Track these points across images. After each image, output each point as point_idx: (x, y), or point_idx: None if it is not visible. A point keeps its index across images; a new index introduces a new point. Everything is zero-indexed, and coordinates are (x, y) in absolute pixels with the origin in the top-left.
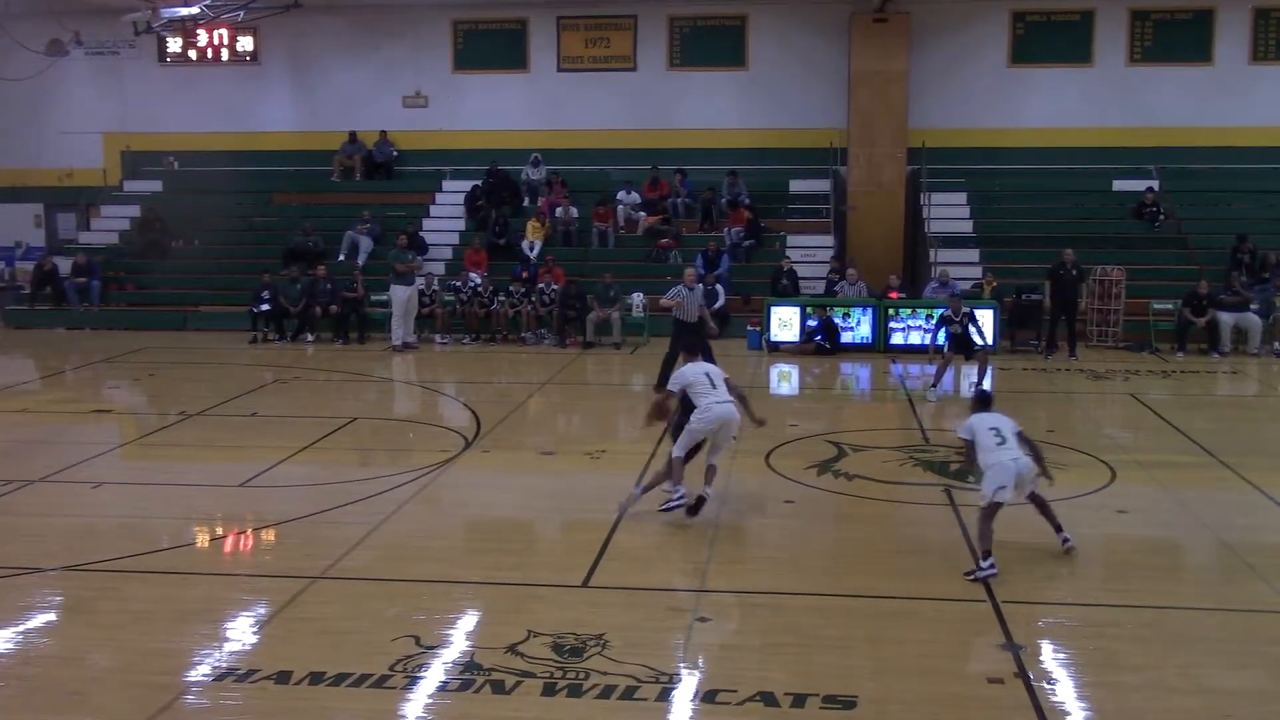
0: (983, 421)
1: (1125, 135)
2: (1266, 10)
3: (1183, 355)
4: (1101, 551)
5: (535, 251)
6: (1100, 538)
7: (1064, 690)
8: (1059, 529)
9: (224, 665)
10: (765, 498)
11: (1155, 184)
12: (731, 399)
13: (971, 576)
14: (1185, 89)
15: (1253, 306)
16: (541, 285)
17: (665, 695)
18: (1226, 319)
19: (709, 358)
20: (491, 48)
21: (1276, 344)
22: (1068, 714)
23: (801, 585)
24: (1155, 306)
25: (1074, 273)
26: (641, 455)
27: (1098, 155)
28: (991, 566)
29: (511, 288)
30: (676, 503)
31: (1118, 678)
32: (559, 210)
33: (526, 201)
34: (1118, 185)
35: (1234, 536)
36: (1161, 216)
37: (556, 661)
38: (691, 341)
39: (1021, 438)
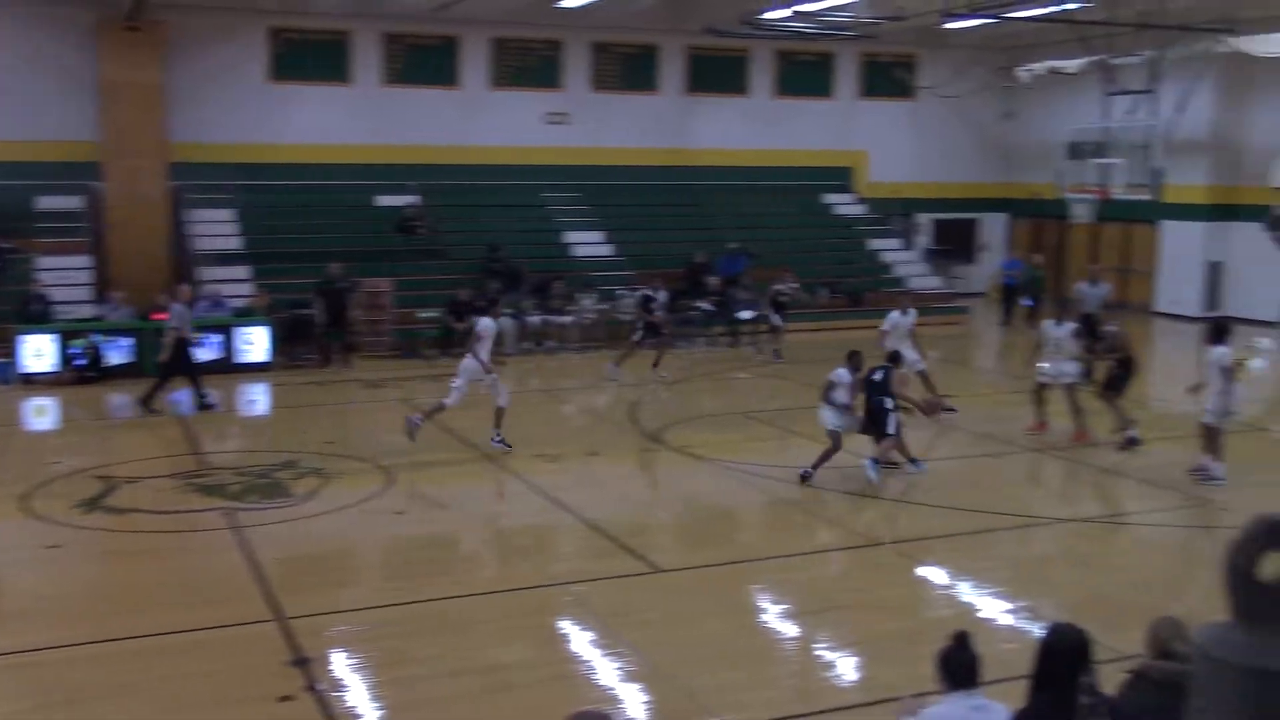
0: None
1: (385, 152)
2: (503, 39)
3: (448, 359)
4: (385, 554)
5: None
6: (382, 541)
7: (356, 694)
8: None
9: None
10: (24, 545)
11: (415, 199)
12: None
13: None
14: (435, 109)
15: (506, 311)
16: None
17: None
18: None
19: None
20: None
21: (525, 344)
22: (360, 716)
23: (69, 636)
24: (421, 315)
25: (341, 285)
26: None
27: (361, 171)
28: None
29: None
30: None
31: (406, 671)
32: None
33: None
34: (381, 200)
35: (501, 523)
36: (422, 230)
37: None
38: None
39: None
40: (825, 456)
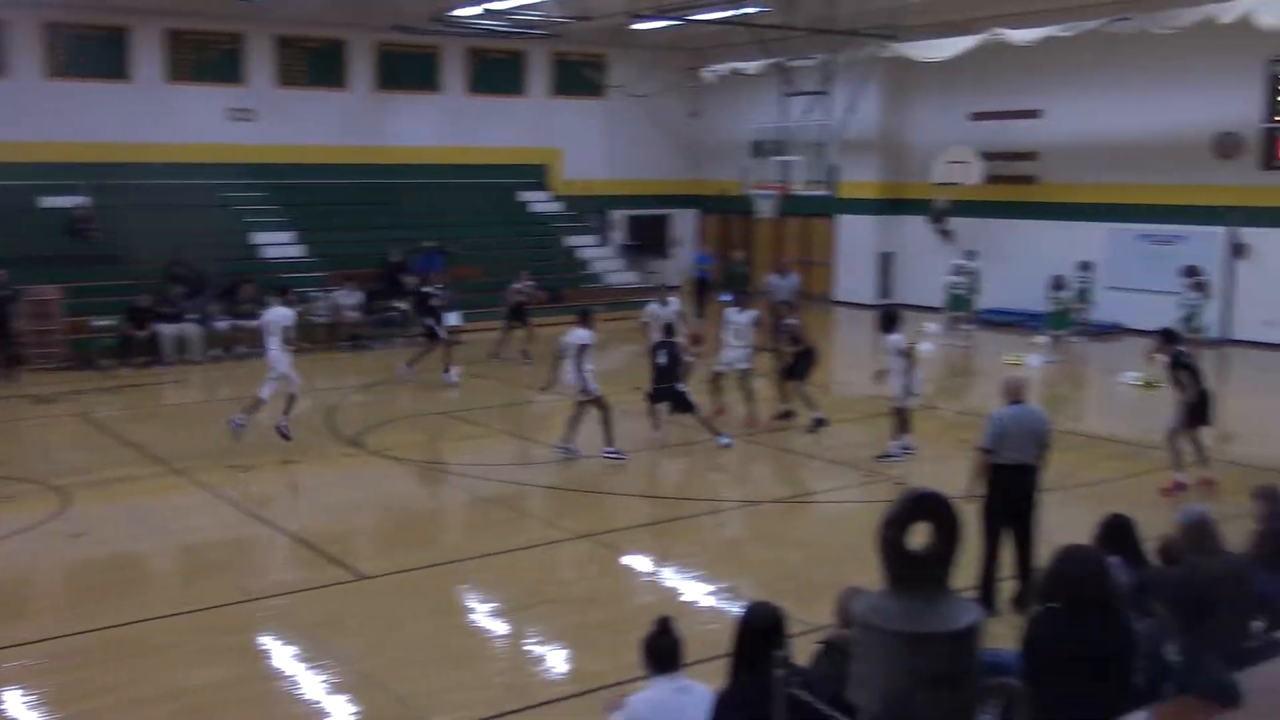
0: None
1: (50, 150)
2: (178, 31)
3: (128, 370)
4: (63, 580)
5: None
6: (60, 566)
7: None
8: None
9: None
10: None
11: (85, 200)
12: None
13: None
14: (107, 104)
15: (191, 316)
16: None
17: None
18: (168, 330)
19: None
20: None
21: (214, 351)
22: None
23: None
24: (96, 323)
25: (3, 294)
26: None
27: (22, 171)
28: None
29: None
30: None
31: (91, 703)
32: None
33: None
34: (46, 202)
35: (193, 538)
36: (94, 233)
37: None
38: None
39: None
40: (607, 424)
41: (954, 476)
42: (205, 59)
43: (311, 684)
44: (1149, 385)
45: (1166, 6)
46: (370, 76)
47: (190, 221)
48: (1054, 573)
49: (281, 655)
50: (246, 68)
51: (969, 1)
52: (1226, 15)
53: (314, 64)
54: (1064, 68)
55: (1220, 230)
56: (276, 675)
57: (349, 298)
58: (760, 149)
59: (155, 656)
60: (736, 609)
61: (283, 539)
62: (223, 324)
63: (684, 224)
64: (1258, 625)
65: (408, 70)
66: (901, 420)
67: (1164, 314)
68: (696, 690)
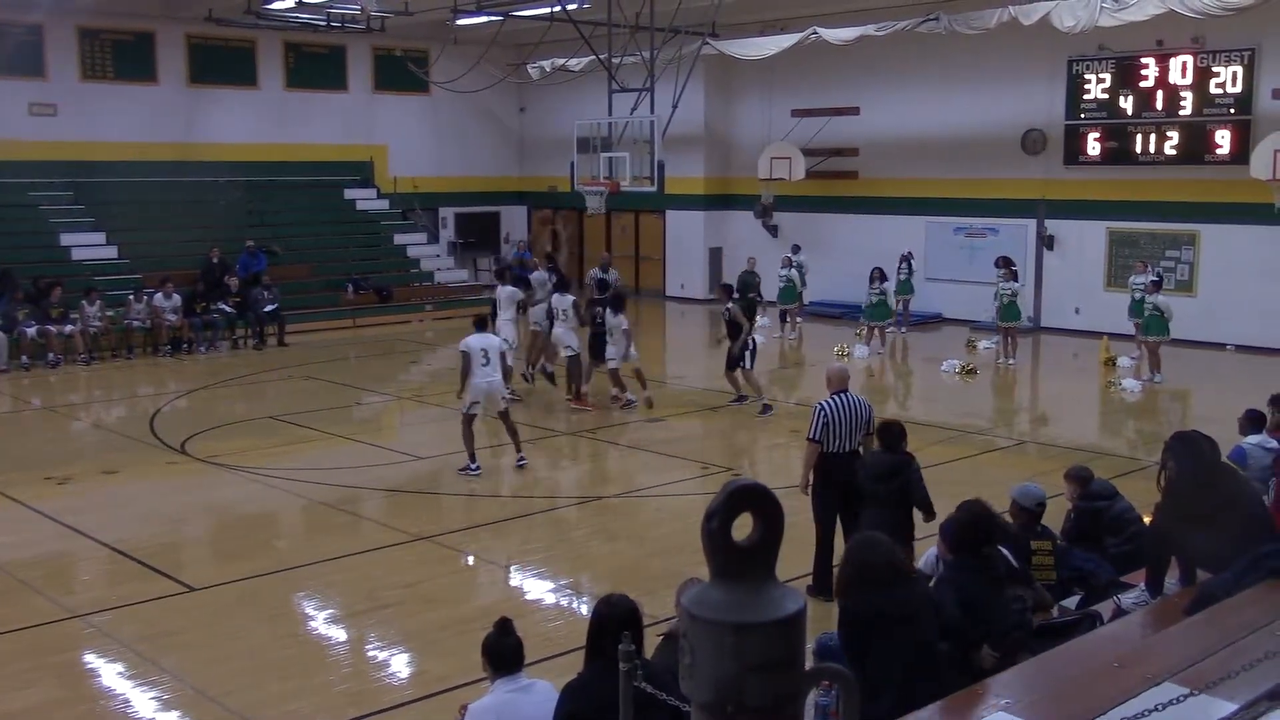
0: (477, 342)
1: None
2: None
3: None
4: None
5: None
6: None
7: None
8: (518, 448)
9: None
10: None
11: None
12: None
13: (463, 471)
14: None
15: None
16: None
17: None
18: None
19: None
20: None
21: (23, 358)
22: None
23: None
24: None
25: None
26: None
27: None
28: (477, 467)
29: None
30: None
31: None
32: None
33: None
34: None
35: (8, 555)
36: None
37: None
38: None
39: (502, 359)
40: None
41: (788, 466)
42: (2, 51)
43: (141, 702)
44: (968, 373)
45: (973, 8)
46: (182, 70)
47: None
48: (848, 565)
49: (108, 673)
50: (47, 60)
51: (786, 1)
52: (1028, 18)
53: (121, 57)
54: (880, 66)
55: (1030, 222)
56: (104, 695)
57: (167, 300)
58: (587, 145)
59: None
60: (579, 605)
61: (105, 552)
62: (31, 329)
63: (514, 221)
64: (1074, 598)
65: (222, 64)
66: (615, 378)
67: (981, 303)
68: (538, 687)
